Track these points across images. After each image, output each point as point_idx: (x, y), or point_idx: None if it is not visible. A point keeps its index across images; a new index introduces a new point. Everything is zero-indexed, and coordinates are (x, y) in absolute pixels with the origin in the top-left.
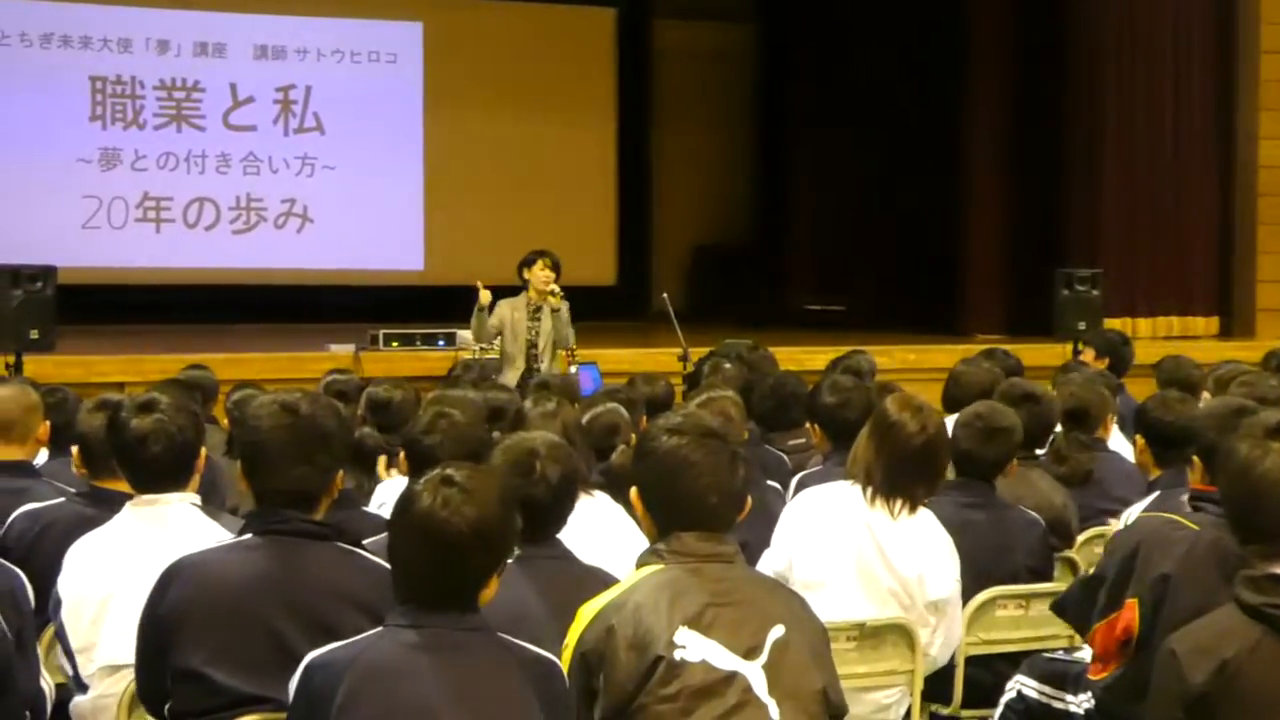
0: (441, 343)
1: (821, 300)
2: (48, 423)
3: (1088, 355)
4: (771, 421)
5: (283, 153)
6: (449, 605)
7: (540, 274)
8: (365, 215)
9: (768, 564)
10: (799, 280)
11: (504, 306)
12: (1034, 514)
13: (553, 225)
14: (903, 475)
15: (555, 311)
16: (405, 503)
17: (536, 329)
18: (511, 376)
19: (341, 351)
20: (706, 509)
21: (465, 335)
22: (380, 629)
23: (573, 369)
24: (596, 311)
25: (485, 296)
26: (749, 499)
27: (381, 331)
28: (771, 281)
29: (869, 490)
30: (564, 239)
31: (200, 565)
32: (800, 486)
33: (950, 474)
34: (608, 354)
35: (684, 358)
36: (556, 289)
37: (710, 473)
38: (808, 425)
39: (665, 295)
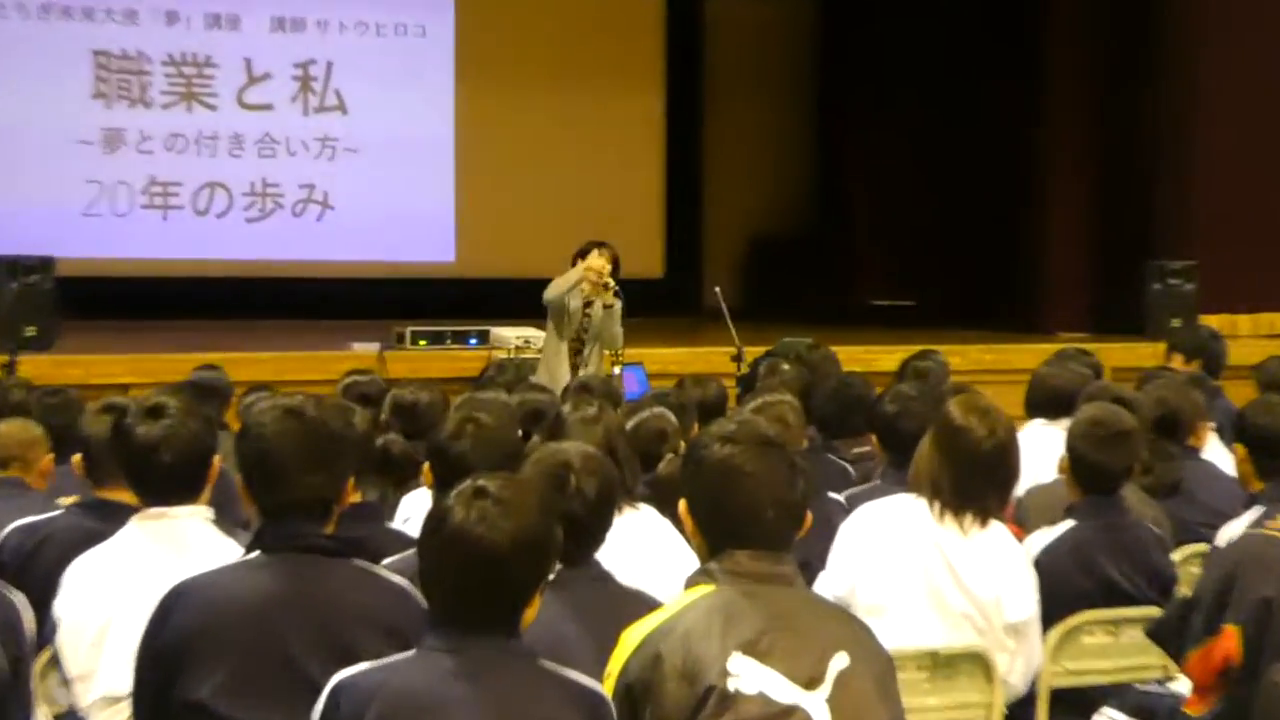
0: (474, 341)
1: (889, 295)
2: (51, 455)
3: (1176, 361)
4: (834, 428)
5: (301, 134)
6: (489, 628)
7: (597, 262)
8: (391, 202)
9: (826, 588)
10: (865, 274)
11: (596, 261)
12: (1154, 528)
13: (596, 212)
14: (973, 485)
15: (608, 308)
16: (436, 519)
17: (588, 322)
18: (555, 371)
19: (365, 350)
20: (762, 524)
21: (500, 333)
22: (412, 652)
23: (616, 370)
24: (643, 306)
25: (594, 267)
26: (809, 514)
27: (409, 329)
28: (834, 275)
29: (936, 504)
30: (608, 227)
31: (206, 588)
32: (851, 504)
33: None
34: (654, 353)
35: (738, 358)
36: (612, 283)
37: (766, 484)
38: (873, 438)
39: (718, 289)
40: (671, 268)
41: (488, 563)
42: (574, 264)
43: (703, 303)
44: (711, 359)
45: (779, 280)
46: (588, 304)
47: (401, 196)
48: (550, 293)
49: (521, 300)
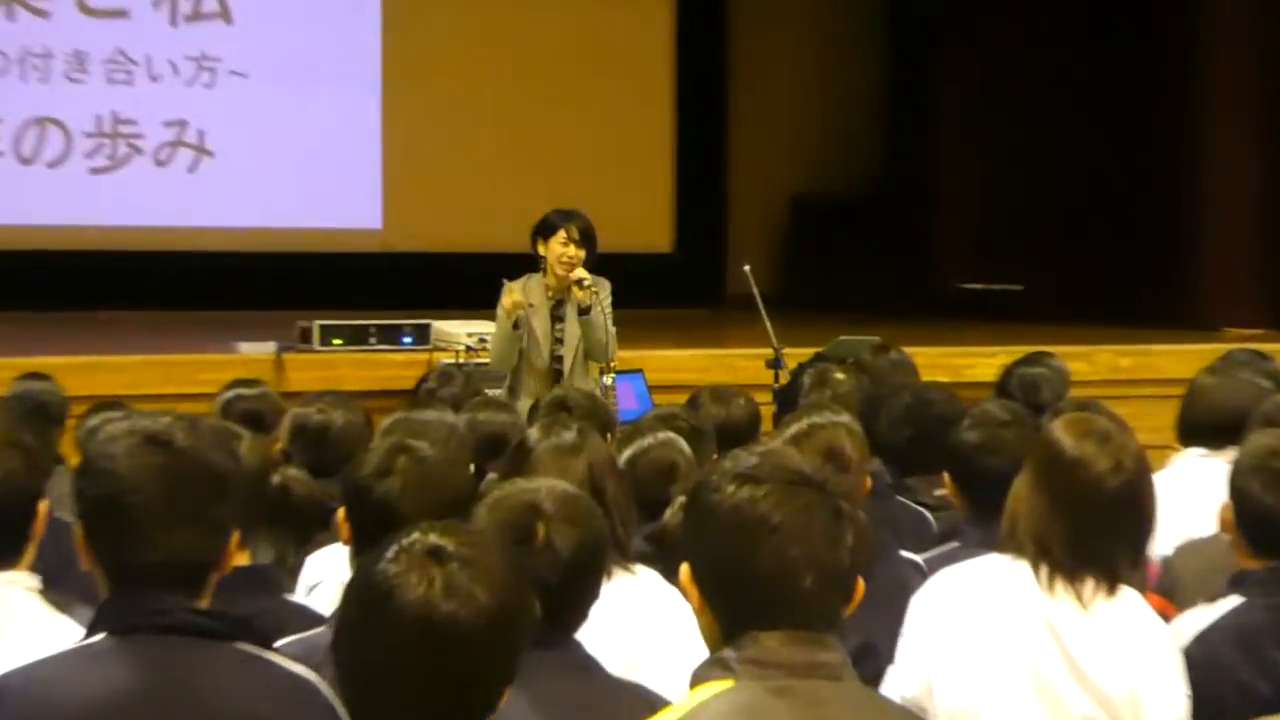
0: (408, 339)
1: (985, 278)
2: None
3: None
4: (908, 461)
5: (167, 51)
6: None
7: (561, 250)
8: (293, 148)
9: (894, 687)
10: (950, 248)
11: (514, 292)
12: None
13: (578, 162)
14: (1094, 540)
15: (584, 312)
16: (369, 589)
17: (561, 331)
18: (521, 384)
19: (256, 353)
20: (797, 596)
21: (445, 329)
22: None
23: (607, 381)
24: (645, 293)
25: (513, 299)
26: (866, 581)
27: (317, 323)
28: (908, 250)
29: (1043, 567)
30: (595, 183)
31: (29, 686)
32: (932, 568)
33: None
34: (660, 357)
35: (775, 363)
36: (586, 277)
37: (802, 540)
38: (946, 476)
39: (747, 269)
40: (684, 240)
41: (459, 647)
42: (533, 245)
43: (726, 287)
44: (738, 365)
45: (831, 257)
46: (557, 307)
47: (308, 141)
48: (495, 358)
49: (472, 282)
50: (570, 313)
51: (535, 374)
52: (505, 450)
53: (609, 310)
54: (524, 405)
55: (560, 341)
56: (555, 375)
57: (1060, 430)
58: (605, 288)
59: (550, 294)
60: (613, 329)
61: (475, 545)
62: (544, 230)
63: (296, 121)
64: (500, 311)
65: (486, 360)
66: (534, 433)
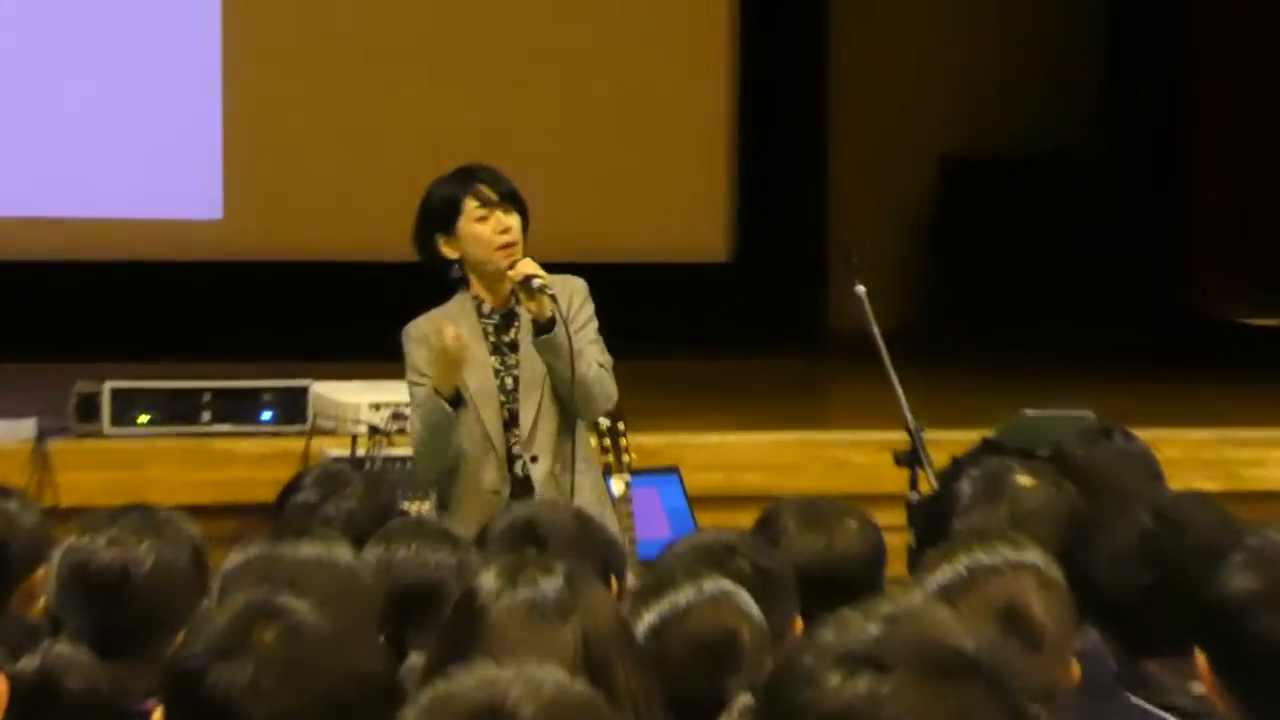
0: (268, 415)
1: (1274, 307)
2: None
3: None
4: (1146, 631)
5: None
6: None
7: (485, 230)
8: (90, 96)
9: None
10: (1211, 257)
11: (429, 331)
12: None
13: (545, 117)
14: None
15: (543, 331)
16: None
17: (514, 371)
18: (463, 491)
19: (2, 440)
20: None
21: (331, 395)
22: None
23: (616, 486)
24: (685, 328)
25: (452, 333)
26: None
27: (108, 386)
28: (1137, 255)
29: None
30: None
31: None
32: None
33: None
34: (708, 443)
35: (911, 456)
36: (539, 273)
37: None
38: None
39: (861, 289)
40: (750, 241)
41: None
42: (427, 248)
43: (825, 318)
44: (845, 459)
45: (1002, 263)
46: (504, 321)
47: (109, 84)
48: (423, 459)
49: (382, 309)
50: (523, 330)
51: (476, 469)
52: (436, 611)
53: (589, 322)
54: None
55: (514, 393)
56: (509, 452)
57: None
58: (573, 288)
59: (488, 309)
60: (605, 357)
61: None
62: (440, 212)
63: (88, 58)
64: (416, 375)
65: (404, 451)
66: (489, 581)
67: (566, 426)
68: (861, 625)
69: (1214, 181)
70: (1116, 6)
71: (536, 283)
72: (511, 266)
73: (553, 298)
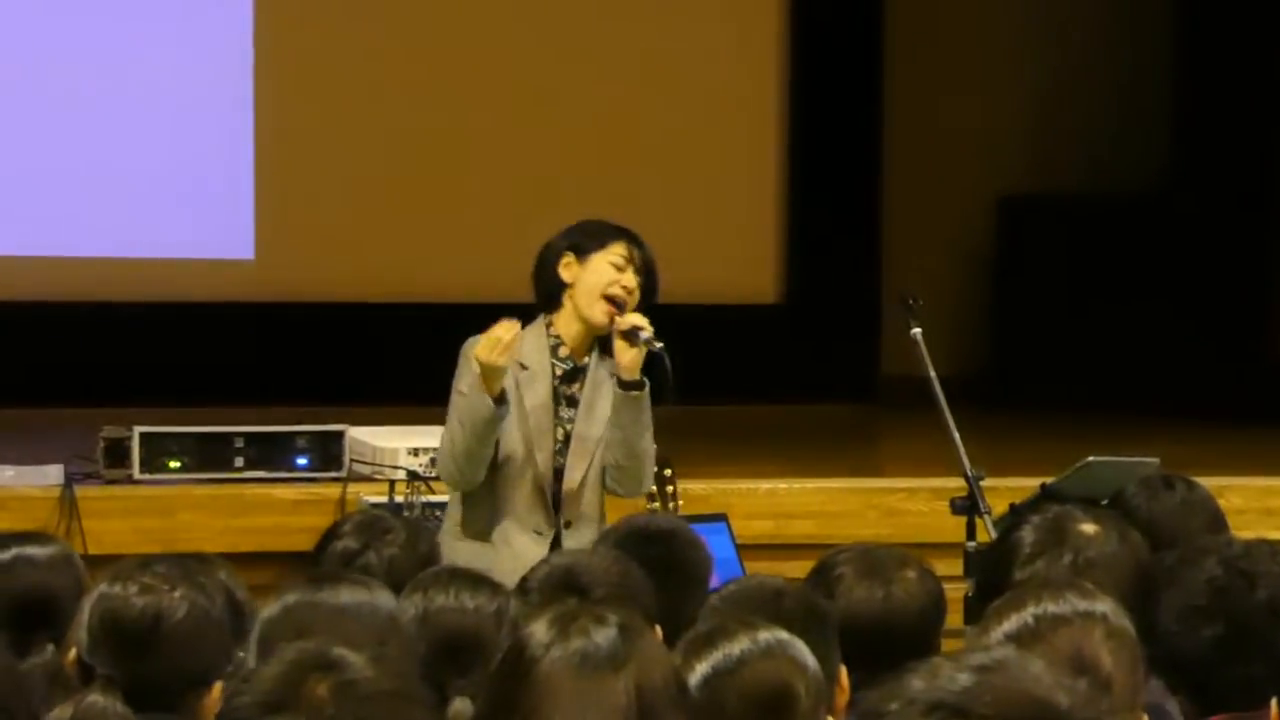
0: (303, 461)
1: None
2: None
3: None
4: (1215, 682)
5: None
6: None
7: (613, 275)
8: (122, 135)
9: None
10: None
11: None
12: None
13: (597, 152)
14: None
15: (628, 389)
16: None
17: (568, 426)
18: (505, 552)
19: (24, 487)
20: None
21: (370, 440)
22: None
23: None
24: (732, 371)
25: (509, 336)
26: None
27: (137, 430)
28: (1214, 302)
29: None
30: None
31: None
32: None
33: None
34: (757, 491)
35: (969, 503)
36: (645, 325)
37: None
38: (1273, 706)
39: (918, 332)
40: (800, 283)
41: None
42: (549, 269)
43: (878, 364)
44: (900, 508)
45: (1067, 305)
46: (569, 380)
47: (133, 122)
48: (450, 462)
49: (419, 350)
50: (594, 394)
51: (519, 506)
52: (479, 657)
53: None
54: (501, 552)
55: (564, 446)
56: (554, 499)
57: None
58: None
59: (564, 354)
60: (648, 436)
61: None
62: (589, 235)
63: (119, 100)
64: (468, 369)
65: (443, 497)
66: (540, 631)
67: (599, 503)
68: (952, 674)
69: None
70: (1188, 38)
71: (644, 335)
72: (612, 319)
73: (657, 349)
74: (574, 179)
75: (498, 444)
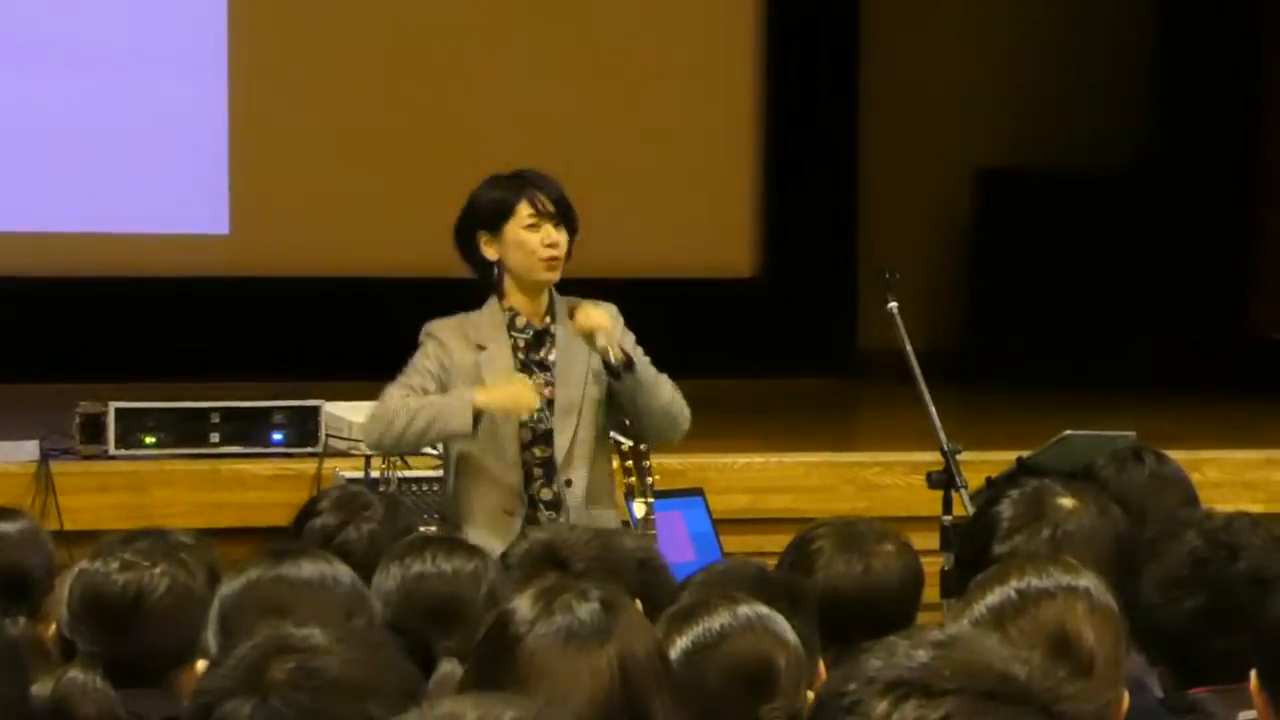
0: (279, 436)
1: None
2: None
3: None
4: (1196, 656)
5: None
6: None
7: (532, 239)
8: (95, 110)
9: None
10: (1267, 281)
11: (449, 335)
12: None
13: (568, 124)
14: None
15: (616, 370)
16: None
17: (549, 384)
18: (482, 528)
19: (3, 462)
20: None
21: (345, 414)
22: None
23: (637, 508)
24: (710, 346)
25: (500, 399)
26: None
27: (113, 406)
28: (1190, 275)
29: None
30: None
31: None
32: None
33: None
34: (735, 466)
35: (945, 477)
36: (603, 321)
37: None
38: (1253, 678)
39: (894, 306)
40: (777, 257)
41: None
42: (468, 247)
43: (856, 338)
44: (878, 482)
45: (1044, 278)
46: (538, 338)
47: (107, 96)
48: (377, 435)
49: (393, 327)
50: (566, 358)
51: (489, 488)
52: (461, 618)
53: (635, 348)
54: (478, 526)
55: (543, 412)
56: (528, 475)
57: None
58: (609, 315)
59: (522, 323)
60: (662, 375)
61: None
62: (491, 210)
63: (87, 74)
64: (417, 373)
65: (419, 472)
66: (523, 607)
67: (601, 454)
68: (909, 651)
69: (1274, 199)
70: (1167, 13)
71: (600, 344)
72: (549, 279)
73: (622, 368)
74: (549, 155)
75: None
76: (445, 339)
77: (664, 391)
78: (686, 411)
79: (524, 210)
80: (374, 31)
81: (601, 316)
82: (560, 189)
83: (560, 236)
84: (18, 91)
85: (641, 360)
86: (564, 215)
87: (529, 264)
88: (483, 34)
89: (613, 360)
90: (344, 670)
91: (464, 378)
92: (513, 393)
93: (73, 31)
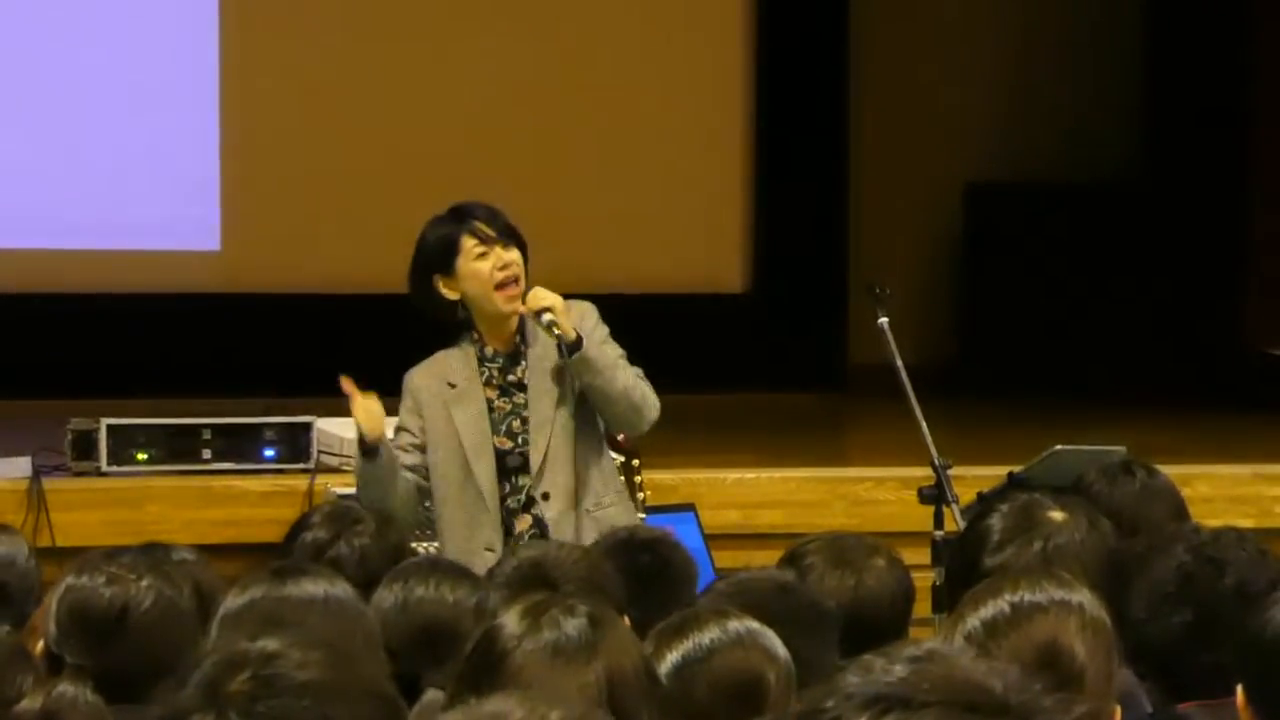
0: (271, 452)
1: None
2: None
3: None
4: (1185, 670)
5: None
6: None
7: (483, 267)
8: (86, 126)
9: None
10: (1258, 294)
11: (423, 381)
12: None
13: (555, 148)
14: None
15: (572, 347)
16: None
17: (523, 412)
18: (459, 541)
19: (0, 477)
20: None
21: (337, 431)
22: None
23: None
24: (700, 362)
25: (364, 412)
26: None
27: (104, 423)
28: (1182, 290)
29: None
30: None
31: None
32: None
33: None
34: (727, 481)
35: (936, 493)
36: (547, 299)
37: None
38: (1239, 692)
39: (884, 322)
40: (768, 272)
41: None
42: (425, 292)
43: (846, 353)
44: (868, 497)
45: (1033, 297)
46: (511, 360)
47: (98, 112)
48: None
49: (385, 341)
50: (538, 376)
51: (468, 529)
52: (455, 650)
53: (605, 341)
54: (455, 539)
55: (523, 435)
56: (507, 515)
57: None
58: (581, 312)
59: (492, 352)
60: (634, 367)
61: None
62: (438, 252)
63: (82, 89)
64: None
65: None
66: (511, 622)
67: (582, 463)
68: (887, 667)
69: (1266, 212)
70: (1158, 26)
71: (546, 318)
72: (516, 303)
73: (557, 334)
74: (539, 170)
75: (427, 472)
76: (418, 389)
77: (621, 376)
78: (652, 399)
79: (469, 243)
80: (361, 53)
81: (552, 297)
82: (497, 211)
83: (511, 255)
84: (14, 113)
85: (599, 346)
86: (509, 235)
87: (485, 292)
88: (474, 54)
89: (556, 332)
90: (302, 676)
91: (436, 418)
92: (357, 407)
93: (67, 55)
